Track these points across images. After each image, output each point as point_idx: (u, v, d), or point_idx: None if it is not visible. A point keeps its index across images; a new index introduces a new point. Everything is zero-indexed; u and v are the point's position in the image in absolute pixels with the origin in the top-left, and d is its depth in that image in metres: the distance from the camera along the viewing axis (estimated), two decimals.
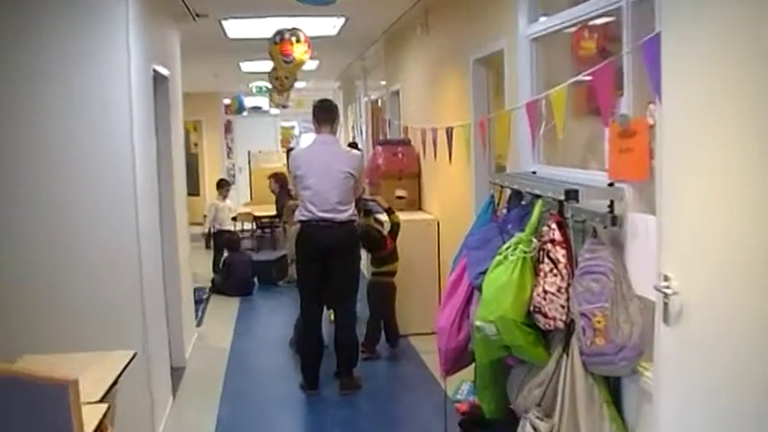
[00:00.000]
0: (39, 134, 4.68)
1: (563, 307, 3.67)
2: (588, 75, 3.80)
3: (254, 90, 15.68)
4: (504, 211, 4.47)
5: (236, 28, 8.56)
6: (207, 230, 11.65)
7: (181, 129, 7.49)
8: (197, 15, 7.30)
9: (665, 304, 2.79)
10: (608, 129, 3.59)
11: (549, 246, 3.75)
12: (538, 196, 3.97)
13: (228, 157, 18.96)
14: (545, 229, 3.84)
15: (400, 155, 8.34)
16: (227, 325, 8.43)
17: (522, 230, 3.94)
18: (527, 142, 4.82)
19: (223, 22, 8.14)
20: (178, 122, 7.23)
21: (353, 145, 14.02)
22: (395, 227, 7.06)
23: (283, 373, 6.78)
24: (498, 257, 3.94)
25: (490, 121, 5.65)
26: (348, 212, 6.05)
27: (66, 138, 4.70)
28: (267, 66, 10.46)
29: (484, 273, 4.06)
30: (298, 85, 13.38)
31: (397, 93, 9.78)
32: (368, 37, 9.82)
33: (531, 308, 3.76)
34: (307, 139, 19.14)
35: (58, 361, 4.02)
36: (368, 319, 7.09)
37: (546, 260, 3.75)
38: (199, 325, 8.33)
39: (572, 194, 3.59)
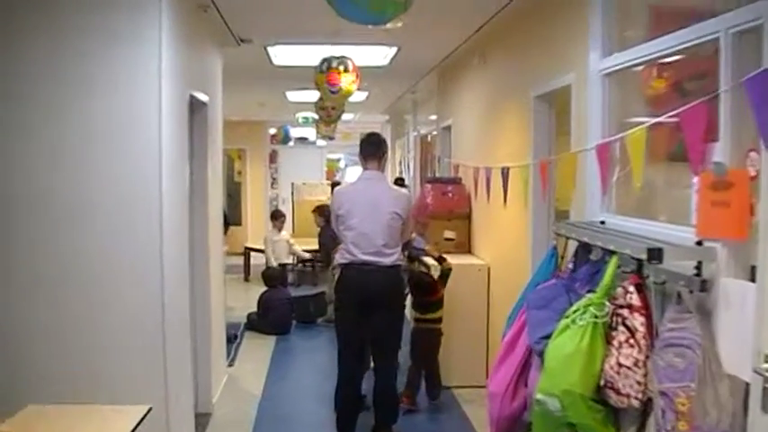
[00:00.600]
0: (60, 160, 4.33)
1: (639, 383, 3.16)
2: (673, 116, 3.33)
3: (299, 120, 15.36)
4: (570, 265, 3.97)
5: (282, 55, 8.18)
6: (272, 265, 11.05)
7: (219, 157, 7.09)
8: (241, 40, 6.93)
9: (765, 389, 2.40)
10: (697, 178, 3.11)
11: (626, 312, 3.24)
12: (612, 252, 3.47)
13: (272, 187, 18.63)
14: (620, 290, 3.34)
15: (450, 194, 7.85)
16: (261, 367, 7.96)
17: (593, 291, 3.44)
18: (596, 188, 4.32)
19: (269, 49, 7.76)
20: (217, 150, 6.83)
21: (400, 181, 13.61)
22: (446, 273, 6.58)
23: (318, 425, 6.29)
24: (565, 321, 3.44)
25: (552, 164, 5.17)
26: (394, 256, 5.57)
27: (88, 165, 4.36)
28: (314, 96, 10.10)
29: (547, 337, 3.57)
30: (345, 117, 13.02)
31: (448, 128, 9.32)
32: (420, 68, 9.39)
33: (602, 382, 3.25)
34: (352, 173, 18.86)
35: (62, 415, 3.61)
36: (409, 368, 6.60)
37: (621, 328, 3.24)
38: (231, 365, 7.88)
39: (655, 254, 3.08)
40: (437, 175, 9.87)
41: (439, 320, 6.55)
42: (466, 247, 7.82)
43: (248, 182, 18.09)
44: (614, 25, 4.41)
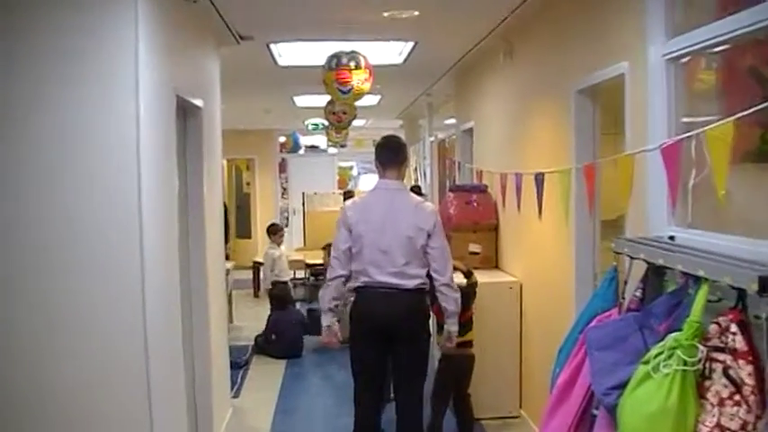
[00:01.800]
0: (19, 173, 3.62)
1: None
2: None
3: (309, 127, 14.70)
4: (638, 293, 3.23)
5: (288, 54, 7.46)
6: (270, 286, 10.16)
7: (218, 167, 6.38)
8: (240, 37, 6.21)
9: None
10: None
11: (727, 358, 2.50)
12: (699, 279, 2.73)
13: (282, 197, 17.94)
14: (713, 328, 2.60)
15: (475, 203, 7.11)
16: (270, 396, 7.23)
17: (677, 329, 2.70)
18: (661, 197, 3.59)
19: (272, 47, 7.04)
20: (215, 160, 6.13)
21: (416, 189, 12.89)
22: (473, 288, 5.79)
23: None
24: (643, 368, 2.70)
25: (599, 168, 4.45)
26: (419, 280, 4.80)
27: (54, 177, 3.65)
28: (323, 100, 9.43)
29: (619, 387, 2.83)
30: (356, 123, 12.30)
31: (469, 131, 8.59)
32: (437, 67, 8.66)
33: None
34: (366, 181, 18.17)
35: None
36: (431, 402, 5.60)
37: (723, 380, 2.50)
38: (236, 396, 7.16)
39: None
40: (457, 182, 9.13)
41: (470, 344, 5.75)
42: (493, 261, 7.09)
43: (257, 193, 17.40)
44: (677, 3, 3.68)
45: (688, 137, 3.31)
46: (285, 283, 10.24)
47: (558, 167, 4.98)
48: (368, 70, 5.98)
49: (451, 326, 4.96)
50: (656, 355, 2.67)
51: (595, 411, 3.14)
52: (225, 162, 17.23)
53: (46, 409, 3.65)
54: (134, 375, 3.74)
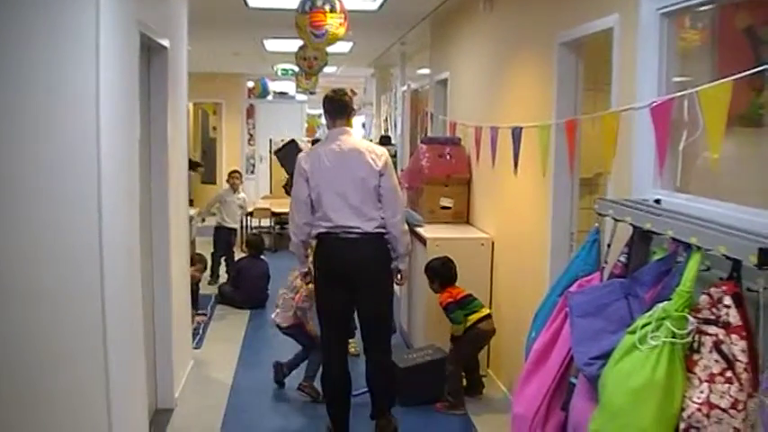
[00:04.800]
0: None
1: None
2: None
3: (279, 72, 14.33)
4: (622, 259, 3.08)
5: None
6: (200, 221, 9.96)
7: (184, 111, 6.13)
8: None
9: None
10: None
11: (719, 332, 2.37)
12: (689, 246, 2.59)
13: (249, 143, 17.60)
14: (704, 299, 2.46)
15: (448, 156, 6.93)
16: (233, 348, 7.06)
17: (665, 298, 2.56)
18: (648, 159, 3.44)
19: None
20: (180, 104, 5.87)
21: (386, 139, 12.70)
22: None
23: (299, 416, 5.57)
24: (629, 338, 2.57)
25: (579, 125, 4.28)
26: (376, 222, 4.85)
27: (5, 118, 3.38)
28: (294, 45, 9.14)
29: (602, 357, 2.70)
30: (327, 69, 12.00)
31: (443, 82, 8.37)
32: (414, 14, 8.38)
33: (683, 426, 2.39)
34: None
35: None
36: (449, 367, 5.61)
37: (713, 354, 2.37)
38: (198, 346, 6.98)
39: None
40: (429, 134, 8.93)
41: (488, 317, 5.69)
42: (464, 216, 6.94)
43: (224, 138, 17.04)
44: None
45: (681, 96, 3.15)
46: (231, 229, 10.03)
47: (537, 122, 4.82)
48: (343, 14, 5.71)
49: (400, 263, 5.06)
50: (642, 326, 2.54)
51: (574, 379, 3.02)
52: (191, 106, 16.89)
53: None
54: (88, 320, 3.54)
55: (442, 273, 5.77)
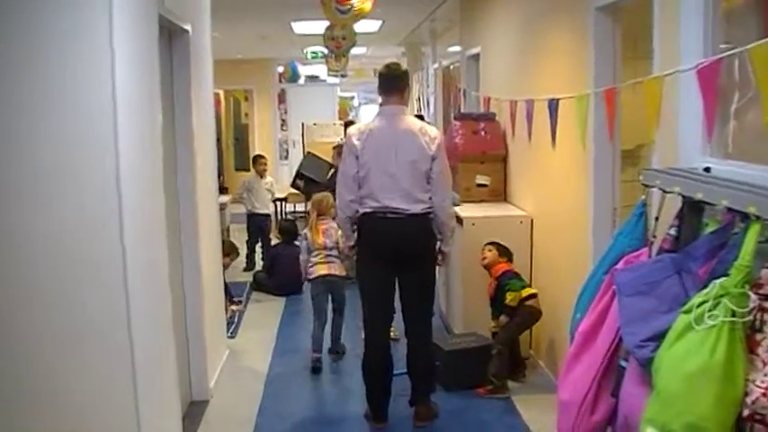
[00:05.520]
0: None
1: None
2: None
3: (308, 56, 14.21)
4: (672, 231, 2.88)
5: None
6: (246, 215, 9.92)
7: (210, 98, 5.98)
8: None
9: None
10: None
11: None
12: (747, 216, 2.38)
13: (282, 129, 17.49)
14: (765, 273, 2.26)
15: (482, 132, 6.72)
16: (268, 336, 6.94)
17: (722, 274, 2.36)
18: (694, 125, 3.23)
19: None
20: (205, 90, 5.72)
21: (419, 118, 12.47)
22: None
23: (337, 403, 5.52)
24: (684, 318, 2.37)
25: (619, 93, 4.06)
26: (425, 204, 4.74)
27: (21, 108, 3.23)
28: (322, 26, 8.96)
29: (655, 339, 2.50)
30: (357, 51, 11.86)
31: (475, 57, 8.15)
32: None
33: (746, 412, 2.20)
34: (367, 111, 17.68)
35: None
36: (497, 347, 5.41)
37: None
38: (232, 336, 6.87)
39: None
40: (462, 110, 8.71)
41: (534, 297, 5.50)
42: (501, 194, 6.74)
43: (256, 124, 16.95)
44: None
45: (730, 55, 2.93)
46: (264, 215, 9.92)
47: (574, 93, 4.60)
48: None
49: (444, 246, 4.99)
50: (699, 304, 2.33)
51: (624, 363, 2.82)
52: (222, 93, 16.79)
53: (15, 357, 3.33)
54: (112, 314, 3.39)
55: (507, 251, 5.67)
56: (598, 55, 4.46)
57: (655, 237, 3.04)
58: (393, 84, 4.89)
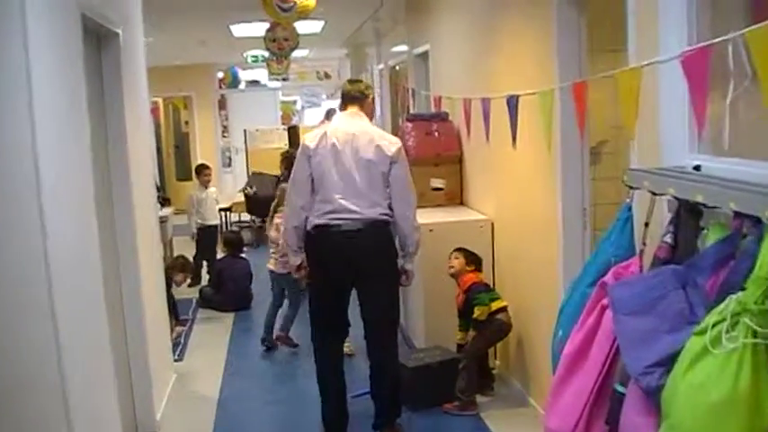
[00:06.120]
0: None
1: None
2: None
3: (249, 59, 13.77)
4: (668, 239, 2.59)
5: None
6: (195, 229, 9.46)
7: (146, 106, 5.58)
8: None
9: None
10: None
11: None
12: (759, 222, 2.10)
13: (223, 136, 17.01)
14: None
15: (436, 133, 6.41)
16: (218, 356, 6.53)
17: (737, 288, 2.06)
18: (681, 120, 2.95)
19: None
20: (140, 98, 5.31)
21: None
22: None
23: (295, 429, 5.12)
24: (697, 340, 2.07)
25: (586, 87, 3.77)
26: (382, 209, 4.48)
27: None
28: (262, 29, 8.59)
29: (662, 364, 2.20)
30: (299, 53, 11.48)
31: (423, 55, 7.86)
32: None
33: None
34: (311, 115, 17.29)
35: None
36: (463, 362, 5.10)
37: None
38: (179, 359, 6.45)
39: None
40: (412, 111, 8.39)
41: (503, 310, 5.15)
42: (458, 197, 6.45)
43: (197, 132, 16.42)
44: None
45: (721, 41, 2.64)
46: (214, 227, 9.51)
47: (536, 89, 4.31)
48: None
49: (407, 264, 4.74)
50: (714, 324, 2.03)
51: (620, 387, 2.51)
52: (161, 101, 16.28)
53: None
54: (38, 342, 2.98)
55: (475, 258, 5.33)
56: (562, 48, 4.18)
57: (645, 244, 2.75)
58: (353, 96, 4.75)
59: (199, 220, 9.36)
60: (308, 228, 4.52)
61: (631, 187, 2.86)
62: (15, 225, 2.89)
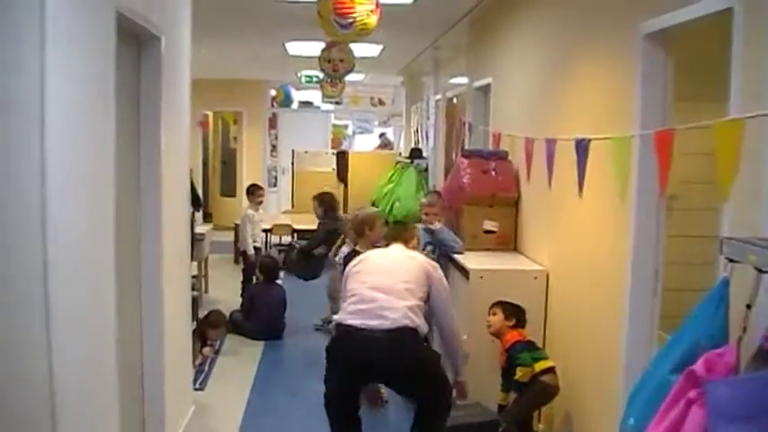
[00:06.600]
0: None
1: None
2: None
3: (302, 80, 13.50)
4: None
5: None
6: (252, 250, 8.98)
7: (185, 118, 5.22)
8: None
9: None
10: None
11: None
12: None
13: (271, 155, 16.76)
14: None
15: (493, 172, 5.98)
16: (241, 388, 6.13)
17: None
18: None
19: None
20: (179, 106, 4.95)
21: (417, 152, 11.79)
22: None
23: None
24: None
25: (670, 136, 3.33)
26: (417, 318, 4.18)
27: None
28: (318, 48, 8.26)
29: None
30: (353, 77, 11.15)
31: (484, 88, 7.44)
32: (453, 9, 7.49)
33: None
34: (362, 141, 16.99)
35: None
36: (503, 425, 4.66)
37: None
38: (200, 388, 6.06)
39: None
40: (467, 146, 7.97)
41: (551, 370, 4.67)
42: (511, 242, 6.00)
43: (244, 148, 16.18)
44: None
45: None
46: (258, 250, 9.13)
47: (610, 134, 3.88)
48: (374, 1, 4.76)
49: (458, 376, 4.68)
50: None
51: None
52: (211, 114, 16.08)
53: None
54: (33, 374, 2.62)
55: (517, 311, 4.87)
56: (646, 92, 3.72)
57: (745, 330, 2.30)
58: (397, 234, 4.87)
59: (252, 243, 8.96)
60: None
61: (731, 260, 2.40)
62: (15, 224, 2.53)
